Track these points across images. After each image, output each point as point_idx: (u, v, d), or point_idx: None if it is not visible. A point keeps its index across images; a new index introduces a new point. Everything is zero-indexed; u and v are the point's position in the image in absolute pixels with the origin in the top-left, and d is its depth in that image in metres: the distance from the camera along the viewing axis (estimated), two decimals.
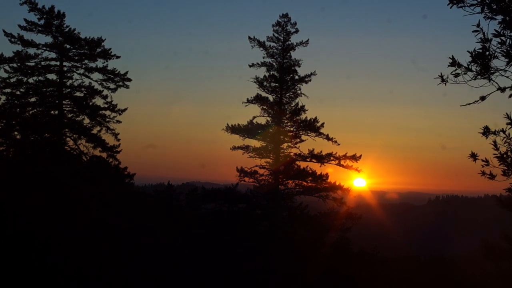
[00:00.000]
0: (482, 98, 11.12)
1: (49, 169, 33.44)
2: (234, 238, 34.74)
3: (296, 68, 36.84)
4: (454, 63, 10.90)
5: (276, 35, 36.60)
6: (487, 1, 10.94)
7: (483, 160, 11.87)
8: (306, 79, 36.80)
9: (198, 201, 38.08)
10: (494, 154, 11.69)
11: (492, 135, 11.69)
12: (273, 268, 33.48)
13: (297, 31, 36.61)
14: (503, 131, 11.57)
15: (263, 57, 36.84)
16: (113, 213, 33.03)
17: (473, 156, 11.83)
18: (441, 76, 11.05)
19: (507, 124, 11.36)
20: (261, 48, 36.72)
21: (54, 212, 31.25)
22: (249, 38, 36.78)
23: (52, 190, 32.40)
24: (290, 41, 36.66)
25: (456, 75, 10.97)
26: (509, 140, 11.59)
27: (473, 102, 11.28)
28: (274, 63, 36.82)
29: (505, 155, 11.67)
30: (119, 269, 30.70)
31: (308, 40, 36.81)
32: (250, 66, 36.99)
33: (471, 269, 38.65)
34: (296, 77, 36.75)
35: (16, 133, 36.73)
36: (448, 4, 11.15)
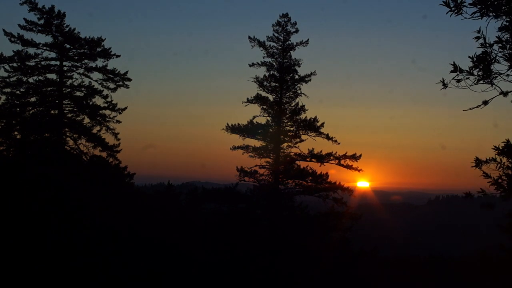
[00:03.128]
0: (485, 103, 11.04)
1: (49, 168, 33.42)
2: (234, 238, 34.71)
3: (296, 68, 36.75)
4: (456, 69, 10.82)
5: (276, 35, 36.53)
6: (485, 5, 10.92)
7: (479, 192, 11.99)
8: (306, 79, 36.74)
9: (198, 201, 38.04)
10: (488, 182, 11.81)
11: (485, 163, 11.80)
12: (273, 268, 33.47)
13: (297, 31, 36.55)
14: (494, 160, 11.70)
15: (263, 57, 36.76)
16: (113, 212, 33.02)
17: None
18: (443, 81, 10.98)
19: (494, 149, 11.49)
20: (261, 48, 36.65)
21: (53, 212, 31.24)
22: (249, 38, 36.73)
23: (52, 189, 32.39)
24: (290, 41, 36.59)
25: (458, 81, 10.90)
26: (502, 166, 11.69)
27: (476, 107, 11.23)
28: (274, 63, 36.75)
29: (499, 180, 11.74)
30: (119, 268, 30.71)
31: (308, 40, 36.75)
32: (250, 65, 36.92)
33: (470, 269, 38.60)
34: (296, 76, 36.68)
35: (16, 133, 36.74)
36: (447, 13, 11.08)
